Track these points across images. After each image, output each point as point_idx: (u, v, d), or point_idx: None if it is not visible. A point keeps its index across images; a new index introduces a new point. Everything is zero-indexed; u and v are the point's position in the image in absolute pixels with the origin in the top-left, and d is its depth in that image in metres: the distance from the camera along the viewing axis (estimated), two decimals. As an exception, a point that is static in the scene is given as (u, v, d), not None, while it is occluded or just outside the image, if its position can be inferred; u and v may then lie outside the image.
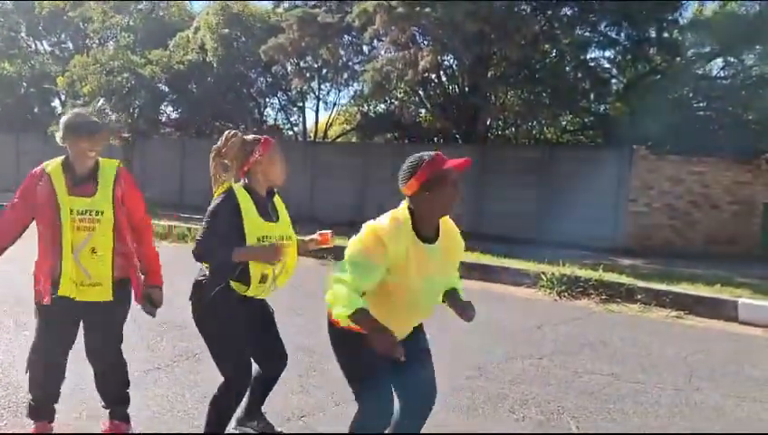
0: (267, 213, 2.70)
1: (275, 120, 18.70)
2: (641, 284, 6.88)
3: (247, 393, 2.79)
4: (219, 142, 2.70)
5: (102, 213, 2.73)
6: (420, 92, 14.43)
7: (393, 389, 2.44)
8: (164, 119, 17.16)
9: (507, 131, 15.96)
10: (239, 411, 2.87)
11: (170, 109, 17.03)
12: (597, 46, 12.11)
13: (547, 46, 11.98)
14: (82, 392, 3.29)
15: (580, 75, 11.83)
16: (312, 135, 18.94)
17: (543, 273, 7.23)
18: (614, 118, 12.93)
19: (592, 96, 12.78)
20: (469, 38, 10.57)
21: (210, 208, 2.61)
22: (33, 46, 21.93)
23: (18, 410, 3.08)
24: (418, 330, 2.54)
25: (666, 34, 11.82)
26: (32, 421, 2.87)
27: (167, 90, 15.24)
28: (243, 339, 2.67)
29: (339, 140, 19.17)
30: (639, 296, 6.65)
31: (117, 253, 2.77)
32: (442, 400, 3.56)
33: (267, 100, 18.20)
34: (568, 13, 11.65)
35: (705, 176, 10.51)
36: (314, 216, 12.54)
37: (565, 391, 3.90)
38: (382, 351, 2.08)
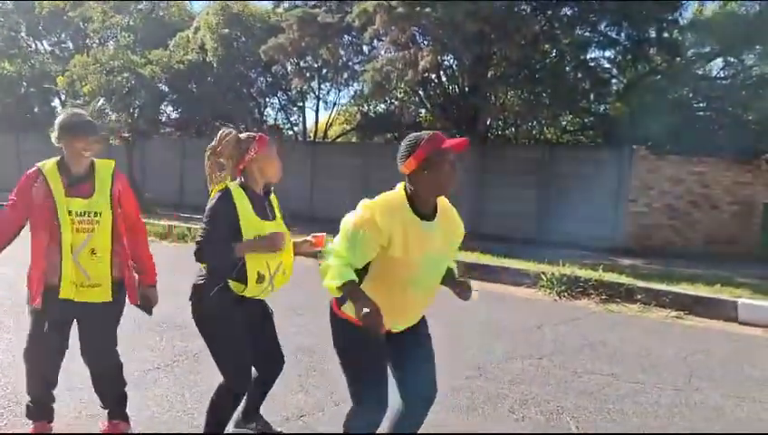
0: (264, 211, 2.70)
1: (275, 119, 18.71)
2: (641, 284, 6.89)
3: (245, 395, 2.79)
4: (214, 141, 2.70)
5: (101, 214, 2.73)
6: (420, 92, 14.42)
7: (394, 380, 2.44)
8: (164, 119, 17.14)
9: (507, 131, 15.95)
10: (237, 413, 2.87)
11: (170, 109, 17.01)
12: (597, 46, 12.11)
13: (547, 46, 11.97)
14: (82, 392, 3.29)
15: (580, 75, 11.81)
16: (311, 135, 18.94)
17: (543, 273, 7.23)
18: (614, 118, 12.92)
19: (592, 96, 12.77)
20: (469, 38, 10.56)
21: (207, 209, 2.61)
22: (34, 46, 21.92)
23: (18, 410, 3.08)
24: (420, 321, 2.53)
25: (666, 34, 11.80)
26: (30, 422, 2.87)
27: (167, 90, 15.23)
28: (242, 340, 2.66)
29: (339, 139, 19.18)
30: (639, 296, 6.65)
31: (115, 254, 2.77)
32: (442, 399, 3.56)
33: (267, 100, 18.20)
34: (568, 13, 11.64)
35: (705, 176, 10.52)
36: (314, 216, 12.54)
37: (565, 391, 3.91)
38: (367, 323, 2.10)
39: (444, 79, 14.15)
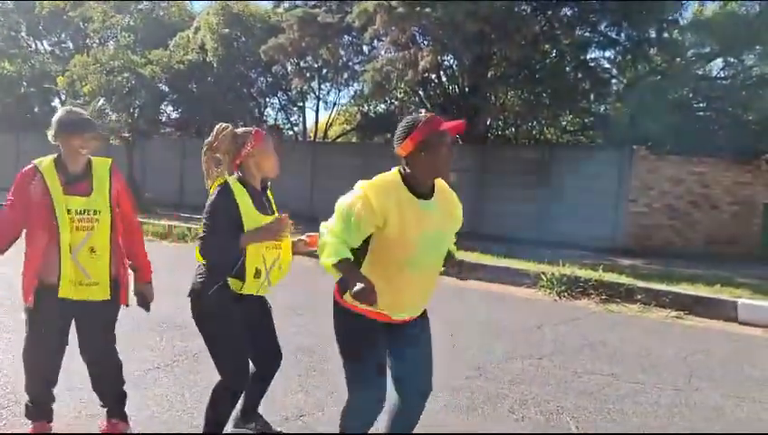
0: (263, 206, 2.70)
1: (275, 119, 18.73)
2: (641, 284, 6.89)
3: (243, 393, 2.79)
4: (210, 136, 2.69)
5: (100, 212, 2.73)
6: (420, 92, 14.43)
7: (390, 374, 2.43)
8: (164, 119, 17.16)
9: (507, 131, 15.96)
10: (236, 413, 2.86)
11: (170, 109, 17.04)
12: (597, 46, 12.12)
13: (547, 46, 11.98)
14: (81, 392, 3.29)
15: (580, 75, 11.82)
16: (312, 135, 18.96)
17: (543, 273, 7.23)
18: (614, 118, 12.92)
19: (592, 96, 12.78)
20: (469, 38, 10.57)
21: (208, 204, 2.60)
22: (34, 46, 21.93)
23: (17, 410, 3.08)
24: (422, 315, 2.51)
25: (666, 35, 11.81)
26: (30, 422, 2.87)
27: (167, 90, 15.24)
28: (241, 338, 2.66)
29: (339, 139, 19.19)
30: (639, 296, 6.65)
31: (113, 252, 2.78)
32: (442, 400, 3.57)
33: (267, 100, 18.22)
34: (568, 13, 11.65)
35: (706, 176, 10.52)
36: (314, 215, 12.44)
37: (565, 391, 3.90)
38: (360, 299, 2.11)
39: (444, 79, 14.16)
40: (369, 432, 2.45)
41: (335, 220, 2.30)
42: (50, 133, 2.76)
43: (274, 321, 2.89)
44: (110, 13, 17.38)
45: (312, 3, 14.03)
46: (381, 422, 2.52)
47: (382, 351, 2.38)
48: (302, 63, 15.03)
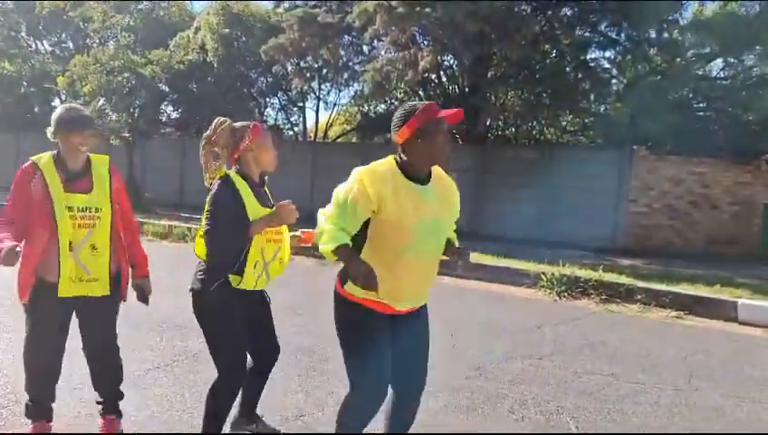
0: (263, 198, 2.71)
1: (276, 119, 18.74)
2: (641, 284, 6.89)
3: (240, 392, 2.79)
4: (209, 130, 2.69)
5: (101, 209, 2.74)
6: (420, 93, 14.43)
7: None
8: (164, 119, 17.17)
9: (507, 132, 15.96)
10: (235, 413, 2.86)
11: (171, 109, 17.05)
12: (597, 47, 12.11)
13: (547, 46, 11.97)
14: (81, 391, 3.29)
15: (580, 75, 11.82)
16: (312, 135, 18.96)
17: (543, 273, 7.23)
18: (614, 118, 12.92)
19: (592, 96, 12.77)
20: (469, 38, 10.57)
21: (211, 196, 2.58)
22: (34, 46, 21.93)
23: (17, 410, 3.08)
24: (422, 309, 2.51)
25: (666, 35, 11.81)
26: (30, 421, 2.87)
27: (167, 90, 15.25)
28: (241, 335, 2.66)
29: (339, 140, 19.20)
30: (639, 297, 6.65)
31: (113, 248, 2.79)
32: (442, 400, 3.58)
33: (268, 100, 18.23)
34: (568, 13, 11.65)
35: (706, 176, 10.52)
36: (314, 216, 12.51)
37: (565, 392, 3.90)
38: (360, 283, 2.12)
39: (444, 79, 14.16)
40: (369, 432, 2.44)
41: (332, 207, 2.32)
42: (49, 130, 2.76)
43: (275, 321, 2.89)
44: (110, 13, 17.39)
45: (313, 3, 14.03)
46: (378, 422, 2.51)
47: (384, 342, 2.36)
48: (302, 63, 15.03)
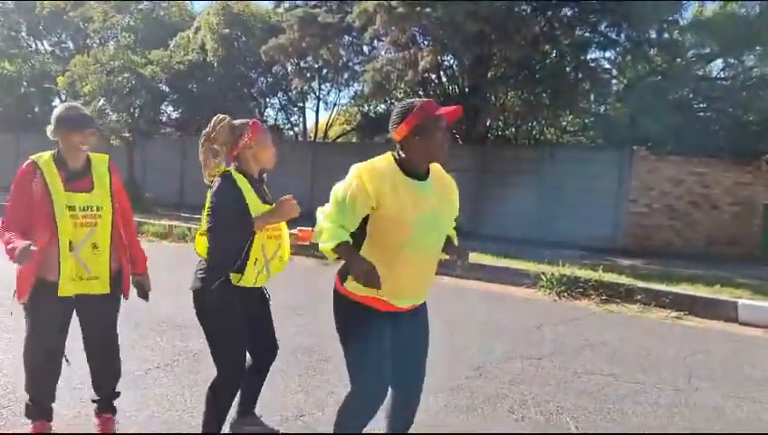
0: (263, 195, 2.71)
1: (276, 120, 18.75)
2: (641, 284, 6.89)
3: (240, 388, 2.79)
4: (208, 127, 2.69)
5: (102, 208, 2.75)
6: (420, 93, 14.43)
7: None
8: (164, 119, 17.19)
9: (507, 132, 15.97)
10: (233, 414, 2.86)
11: (171, 109, 17.07)
12: (597, 47, 12.12)
13: (547, 47, 11.98)
14: (81, 391, 3.29)
15: (580, 76, 11.83)
16: (312, 135, 18.97)
17: (543, 273, 7.23)
18: (614, 118, 12.93)
19: (592, 97, 12.79)
20: (469, 38, 10.57)
21: (213, 193, 2.57)
22: (34, 46, 21.94)
23: (18, 409, 3.08)
24: (422, 308, 2.51)
25: (666, 35, 11.82)
26: (30, 421, 2.87)
27: (167, 90, 15.26)
28: (241, 334, 2.66)
29: (339, 140, 19.21)
30: (639, 297, 6.65)
31: (113, 247, 2.79)
32: (442, 400, 3.58)
33: (268, 100, 18.24)
34: (568, 13, 11.66)
35: (706, 177, 10.52)
36: (314, 215, 12.52)
37: (564, 392, 3.90)
38: (363, 280, 2.12)
39: (444, 79, 14.17)
40: (369, 433, 2.44)
41: (331, 205, 2.32)
42: (49, 129, 2.76)
43: (275, 321, 2.89)
44: (110, 13, 17.40)
45: (313, 3, 14.04)
46: (379, 422, 2.51)
47: (384, 341, 2.35)
48: (302, 64, 15.05)
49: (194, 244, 2.74)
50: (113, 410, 2.96)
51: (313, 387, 3.74)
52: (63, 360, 2.84)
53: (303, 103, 18.37)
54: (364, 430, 2.44)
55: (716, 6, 12.69)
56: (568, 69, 11.91)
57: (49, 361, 2.79)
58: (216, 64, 14.61)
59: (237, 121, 2.71)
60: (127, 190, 3.06)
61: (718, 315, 6.17)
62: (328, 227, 2.27)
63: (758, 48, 11.39)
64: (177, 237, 10.22)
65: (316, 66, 15.34)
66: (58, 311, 2.71)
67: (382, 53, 12.66)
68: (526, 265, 7.77)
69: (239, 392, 2.80)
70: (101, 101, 13.51)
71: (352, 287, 2.31)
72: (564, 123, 15.82)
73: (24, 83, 20.03)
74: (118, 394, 2.98)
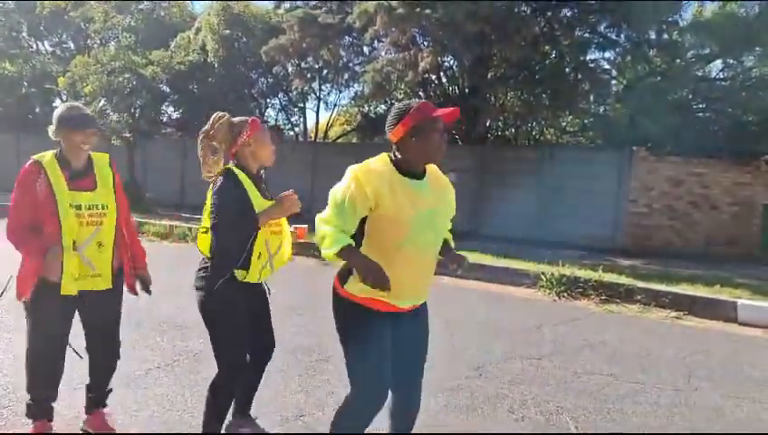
0: (264, 191, 2.72)
1: (276, 120, 18.77)
2: (641, 284, 6.89)
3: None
4: (207, 125, 2.70)
5: (107, 206, 2.77)
6: (420, 93, 14.44)
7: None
8: (165, 119, 17.19)
9: (507, 132, 15.99)
10: (229, 416, 2.85)
11: (171, 109, 17.07)
12: (597, 47, 12.13)
13: (547, 47, 11.99)
14: (81, 391, 3.29)
15: (579, 76, 11.84)
16: (312, 136, 18.99)
17: (543, 273, 7.24)
18: (614, 119, 12.94)
19: (592, 97, 12.79)
20: (469, 39, 10.58)
21: (216, 190, 2.57)
22: (35, 46, 21.95)
23: (19, 410, 3.09)
24: (422, 308, 2.51)
25: (665, 36, 11.83)
26: (31, 421, 2.88)
27: (168, 90, 15.26)
28: (243, 332, 2.67)
29: (339, 140, 19.22)
30: (639, 297, 6.66)
31: (116, 244, 2.81)
32: (442, 400, 3.58)
33: (268, 100, 18.26)
34: (568, 14, 11.67)
35: (705, 177, 10.53)
36: (315, 216, 12.54)
37: (564, 392, 3.91)
38: (372, 281, 2.13)
39: (444, 80, 14.18)
40: (369, 433, 2.44)
41: (330, 208, 2.32)
42: (51, 129, 2.77)
43: (275, 322, 2.90)
44: (111, 13, 17.41)
45: (313, 3, 14.06)
46: (380, 423, 2.52)
47: (385, 342, 2.35)
48: (302, 64, 15.06)
49: (194, 244, 2.74)
50: (104, 404, 2.98)
51: (313, 387, 3.74)
52: (75, 354, 2.85)
53: (304, 104, 18.40)
54: (365, 431, 2.44)
55: (716, 7, 12.71)
56: (568, 69, 11.92)
57: (50, 360, 2.79)
58: (216, 65, 14.63)
59: (236, 119, 2.72)
60: (127, 190, 3.08)
61: (718, 315, 6.18)
62: (329, 232, 2.27)
63: (757, 48, 11.40)
64: (178, 238, 10.23)
65: (316, 67, 15.35)
66: (60, 310, 2.71)
67: (382, 53, 12.67)
68: (526, 266, 7.78)
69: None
70: (102, 102, 13.52)
71: (357, 289, 2.31)
72: (564, 124, 15.83)
73: (25, 84, 20.03)
74: (110, 390, 3.00)
